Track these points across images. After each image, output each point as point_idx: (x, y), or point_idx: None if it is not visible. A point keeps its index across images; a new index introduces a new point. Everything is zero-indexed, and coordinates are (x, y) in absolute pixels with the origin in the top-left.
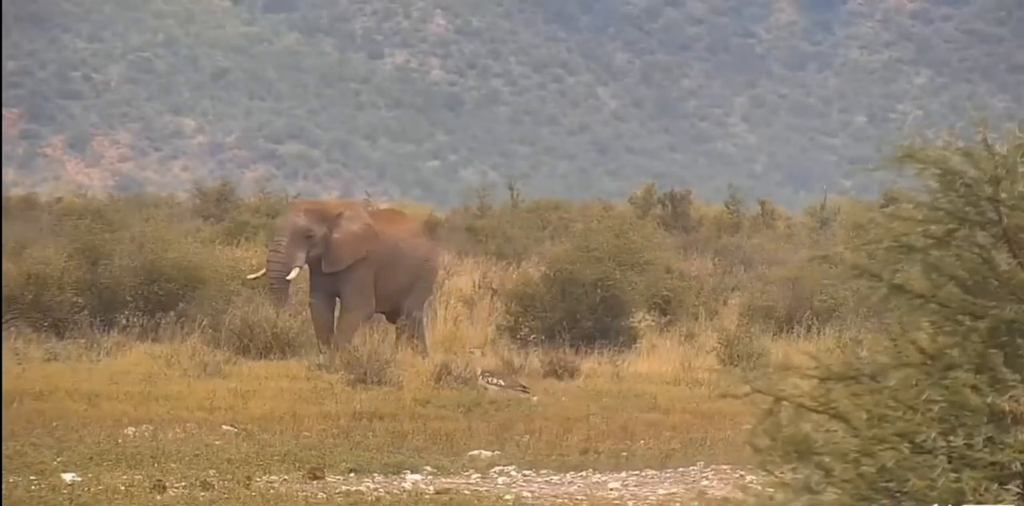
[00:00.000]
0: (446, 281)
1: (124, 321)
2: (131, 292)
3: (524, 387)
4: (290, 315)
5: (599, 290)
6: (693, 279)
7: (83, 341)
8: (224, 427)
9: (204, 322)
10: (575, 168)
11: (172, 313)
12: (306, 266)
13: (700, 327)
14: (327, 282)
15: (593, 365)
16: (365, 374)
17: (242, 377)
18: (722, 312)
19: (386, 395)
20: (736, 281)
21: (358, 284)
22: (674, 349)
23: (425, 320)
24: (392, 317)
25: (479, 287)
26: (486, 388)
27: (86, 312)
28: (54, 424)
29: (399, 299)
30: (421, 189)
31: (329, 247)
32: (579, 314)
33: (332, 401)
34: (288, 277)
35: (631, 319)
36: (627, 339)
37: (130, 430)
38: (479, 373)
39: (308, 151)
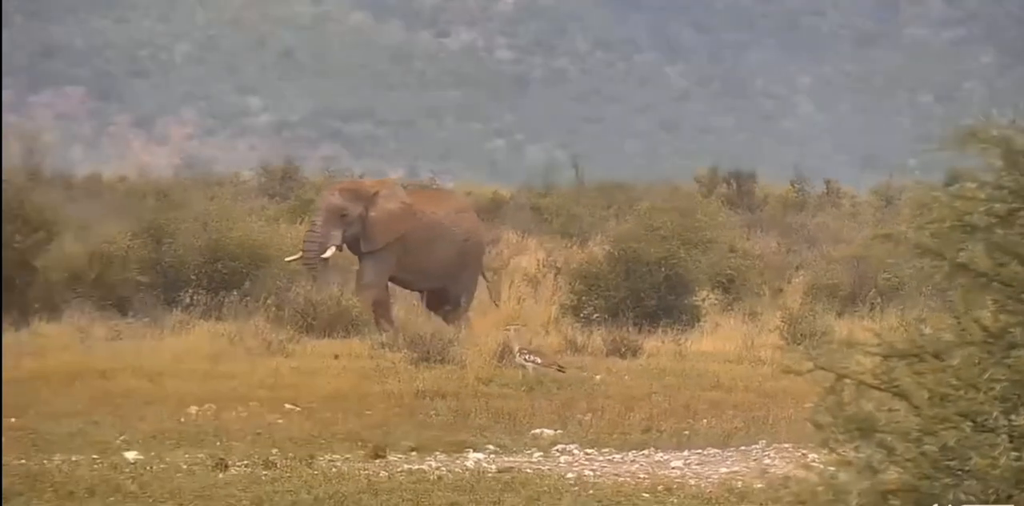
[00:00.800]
0: (510, 260)
1: (188, 300)
2: (195, 271)
3: (561, 367)
4: (353, 294)
5: (663, 269)
6: (757, 258)
7: (147, 320)
8: (287, 406)
9: (268, 301)
10: (641, 147)
11: (236, 292)
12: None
13: (763, 305)
14: None
15: (656, 344)
16: (428, 353)
17: (305, 356)
18: (786, 290)
19: (449, 374)
20: (800, 260)
21: (379, 263)
22: (737, 328)
23: (465, 301)
24: (434, 300)
25: (543, 266)
26: (524, 366)
27: (150, 291)
28: (117, 402)
29: (443, 280)
30: (486, 168)
31: (365, 226)
32: (643, 293)
33: (395, 380)
34: (324, 256)
35: (694, 298)
36: (690, 318)
37: (193, 409)
38: (516, 351)
39: (374, 130)
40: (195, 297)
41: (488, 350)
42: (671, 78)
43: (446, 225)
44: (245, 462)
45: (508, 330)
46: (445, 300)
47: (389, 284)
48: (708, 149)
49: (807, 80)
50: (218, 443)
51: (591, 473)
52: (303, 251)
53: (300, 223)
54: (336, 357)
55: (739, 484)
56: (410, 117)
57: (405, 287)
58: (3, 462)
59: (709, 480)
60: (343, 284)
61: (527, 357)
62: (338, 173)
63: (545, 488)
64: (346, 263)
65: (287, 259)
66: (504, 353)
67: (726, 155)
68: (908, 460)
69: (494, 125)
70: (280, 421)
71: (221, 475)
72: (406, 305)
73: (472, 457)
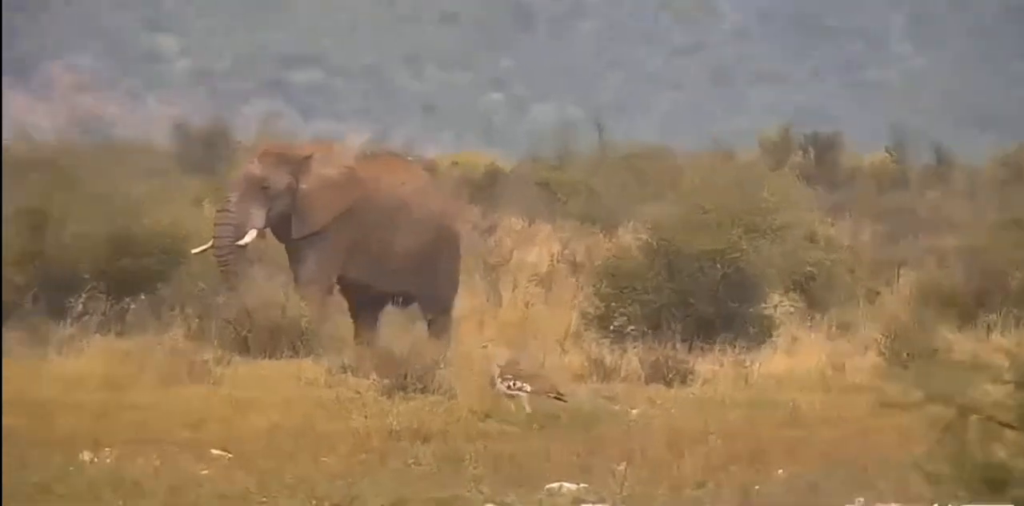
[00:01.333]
0: (513, 253)
1: (80, 307)
2: (90, 269)
3: (560, 394)
4: (301, 298)
5: (720, 265)
6: (846, 250)
7: (26, 333)
8: (215, 451)
9: (188, 309)
10: (684, 102)
11: (145, 297)
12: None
13: (856, 314)
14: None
15: (712, 366)
16: (405, 378)
17: (239, 383)
18: (886, 294)
19: (434, 407)
20: (904, 253)
21: (324, 251)
22: (822, 344)
23: (440, 310)
24: (400, 303)
25: (557, 261)
26: (509, 396)
27: (30, 295)
28: None
29: (406, 280)
30: (480, 131)
31: (296, 202)
32: (693, 297)
33: (361, 415)
34: (240, 242)
35: (763, 304)
36: (758, 331)
37: (87, 455)
38: (496, 376)
39: (327, 80)
40: (90, 304)
41: (486, 375)
42: (723, 11)
43: (408, 204)
44: None
45: (484, 347)
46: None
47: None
48: (776, 105)
49: (901, 17)
50: (121, 502)
51: None
52: (214, 238)
53: None
54: (280, 384)
55: None
56: (376, 63)
57: (356, 291)
58: (3, 463)
59: None
60: (285, 283)
61: (511, 383)
62: (280, 138)
63: None
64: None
65: (193, 251)
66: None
67: (800, 113)
68: None
69: (489, 74)
70: (205, 471)
71: None
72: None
73: None
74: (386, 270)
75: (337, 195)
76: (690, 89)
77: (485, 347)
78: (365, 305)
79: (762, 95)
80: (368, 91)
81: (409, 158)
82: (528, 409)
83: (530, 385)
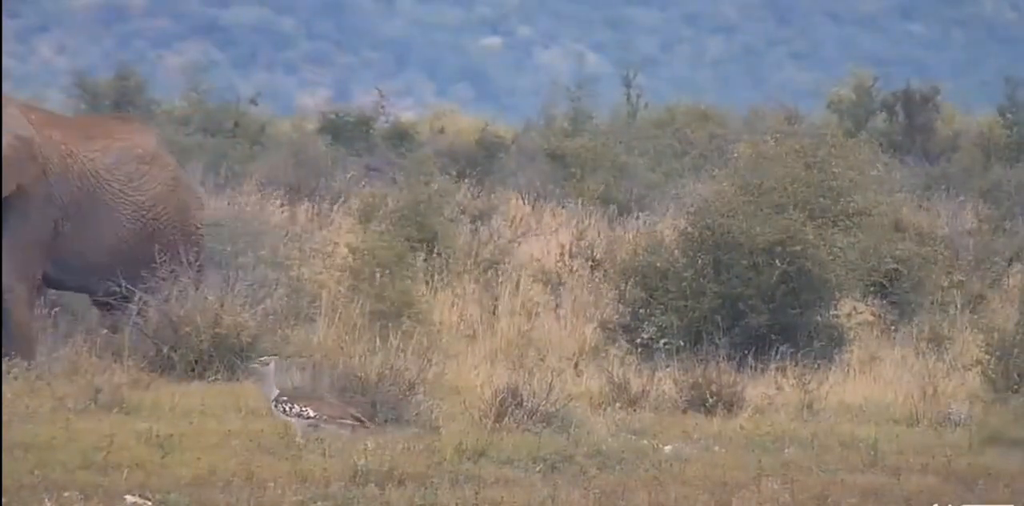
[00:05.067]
0: (514, 245)
1: None
2: (97, 266)
3: (360, 419)
4: (241, 305)
5: (779, 261)
6: (942, 241)
7: None
8: (129, 498)
9: (93, 318)
10: (733, 48)
11: (41, 299)
12: None
13: (954, 324)
14: None
15: (767, 390)
16: (374, 406)
17: (160, 411)
18: (992, 299)
19: (410, 442)
20: (1018, 245)
21: (13, 238)
22: (908, 362)
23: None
24: (108, 308)
25: (570, 255)
26: (299, 426)
27: None
28: None
29: (116, 276)
30: (471, 84)
31: None
32: (743, 302)
33: (317, 453)
34: None
35: (833, 311)
36: (826, 345)
37: None
38: (272, 398)
39: (273, 18)
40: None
41: (478, 402)
42: None
43: (113, 181)
44: None
45: (259, 364)
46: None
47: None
48: (851, 52)
49: None
50: None
51: None
52: None
53: None
54: (213, 414)
55: None
56: None
57: (54, 287)
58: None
59: None
60: (224, 287)
61: (288, 407)
62: (214, 95)
63: None
64: None
65: None
66: (505, 407)
67: (884, 63)
68: None
69: (481, 10)
70: None
71: None
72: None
73: None
74: (85, 263)
75: (12, 167)
76: (741, 31)
77: (266, 364)
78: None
79: (833, 37)
80: (323, 33)
81: (131, 119)
82: (300, 438)
83: (314, 409)
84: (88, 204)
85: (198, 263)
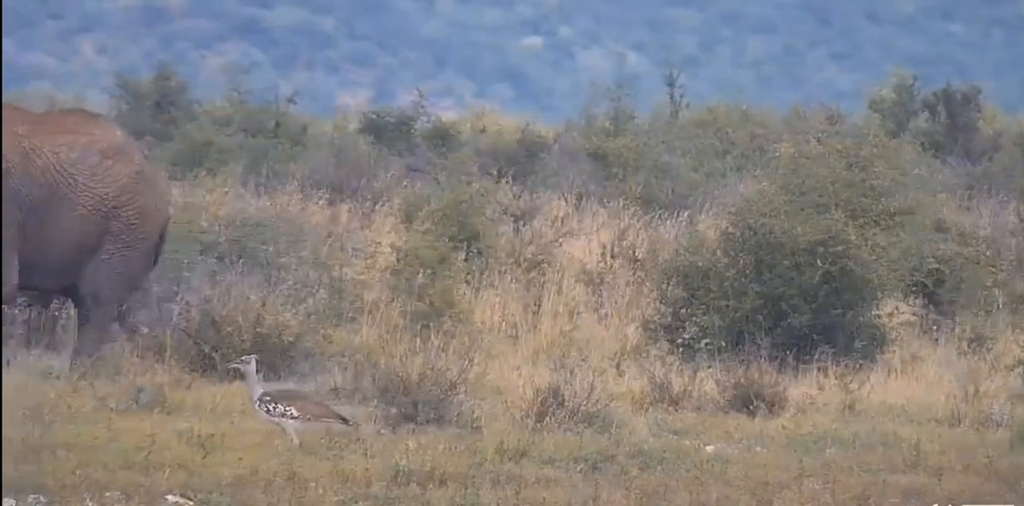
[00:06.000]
0: (555, 244)
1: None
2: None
3: (344, 418)
4: (283, 304)
5: (820, 261)
6: (984, 242)
7: None
8: (170, 498)
9: (135, 317)
10: (774, 49)
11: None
12: None
13: (996, 324)
14: None
15: (809, 390)
16: (415, 406)
17: (202, 411)
18: None
19: (452, 442)
20: None
21: None
22: (950, 363)
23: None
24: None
25: (611, 255)
26: (282, 426)
27: None
28: None
29: (72, 273)
30: (510, 85)
31: None
32: (786, 302)
33: (358, 453)
34: None
35: (875, 311)
36: (868, 345)
37: (7, 503)
38: (256, 398)
39: (313, 19)
40: (10, 311)
41: (520, 402)
42: None
43: (77, 175)
44: None
45: (239, 363)
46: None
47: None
48: (892, 52)
49: None
50: None
51: None
52: None
53: (192, 179)
54: (255, 414)
55: None
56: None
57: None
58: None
59: None
60: (267, 287)
61: (272, 408)
62: (254, 95)
63: None
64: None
65: None
66: (547, 407)
67: (926, 63)
68: None
69: (521, 10)
70: None
71: None
72: (381, 318)
73: None
74: (41, 261)
75: None
76: (784, 31)
77: (246, 362)
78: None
79: (875, 38)
80: (364, 33)
81: (99, 116)
82: (295, 440)
83: (297, 409)
84: (53, 200)
85: (146, 267)
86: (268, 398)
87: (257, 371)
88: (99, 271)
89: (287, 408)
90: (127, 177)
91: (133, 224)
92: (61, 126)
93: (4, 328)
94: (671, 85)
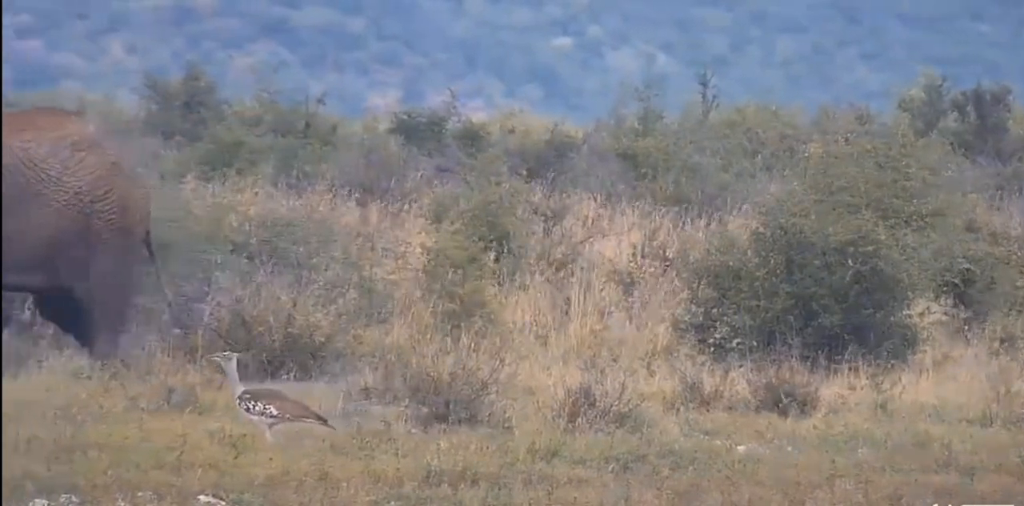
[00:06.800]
0: (585, 244)
1: (28, 315)
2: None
3: (322, 418)
4: (314, 305)
5: (851, 261)
6: (1015, 241)
7: None
8: (202, 498)
9: (166, 317)
10: (803, 49)
11: None
12: None
13: None
14: None
15: (841, 390)
16: (447, 406)
17: (234, 411)
18: None
19: (483, 442)
20: None
21: None
22: (981, 363)
23: (106, 313)
24: (56, 313)
25: (642, 255)
26: (261, 424)
27: None
28: None
29: (51, 272)
30: (540, 85)
31: None
32: (817, 302)
33: (390, 453)
34: None
35: (906, 311)
36: (899, 345)
37: (40, 503)
38: (236, 395)
39: (342, 19)
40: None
41: (551, 402)
42: None
43: (49, 169)
44: None
45: (216, 360)
46: (74, 312)
47: None
48: (921, 51)
49: None
50: None
51: None
52: None
53: (221, 181)
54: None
55: None
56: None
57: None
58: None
59: None
60: (297, 287)
61: (252, 406)
62: (283, 95)
63: None
64: None
65: None
66: (578, 407)
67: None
68: None
69: (550, 9)
70: None
71: None
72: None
73: None
74: (19, 260)
75: None
76: (814, 30)
77: (228, 358)
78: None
79: (905, 39)
80: (394, 33)
81: (70, 112)
82: (270, 438)
83: (276, 408)
84: (20, 196)
85: (131, 264)
86: (248, 396)
87: (238, 368)
88: (88, 269)
89: (266, 407)
90: (102, 169)
91: (113, 218)
92: (28, 123)
93: (35, 329)
94: (704, 85)
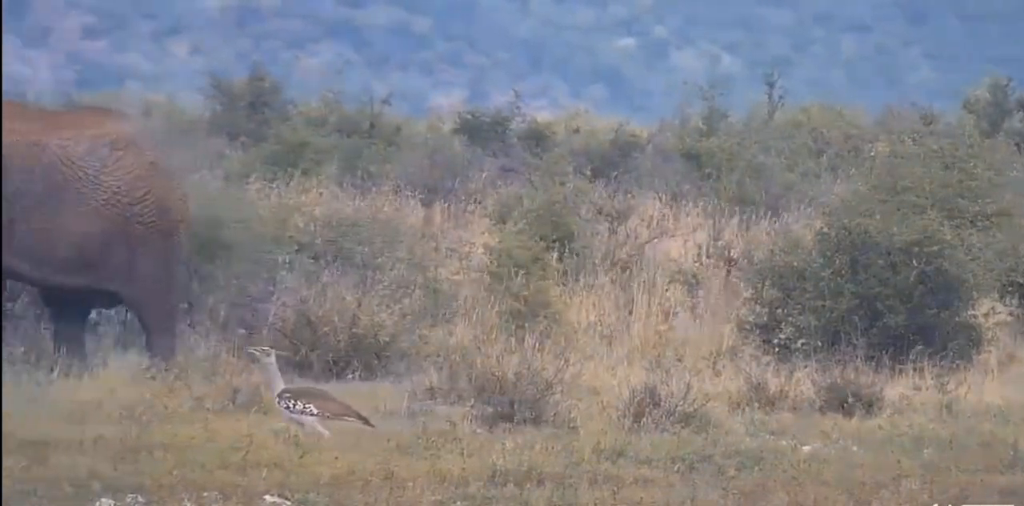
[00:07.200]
0: (649, 245)
1: (92, 314)
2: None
3: (364, 418)
4: (379, 305)
5: (916, 261)
6: None
7: (22, 350)
8: (268, 498)
9: (228, 313)
10: (866, 48)
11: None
12: None
13: None
14: None
15: (905, 391)
16: (512, 406)
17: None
18: None
19: (548, 442)
20: None
21: None
22: None
23: (155, 317)
24: (64, 314)
25: (706, 255)
26: (301, 423)
27: (24, 299)
28: None
29: (88, 272)
30: (604, 85)
31: None
32: (881, 302)
33: (455, 453)
34: None
35: (971, 311)
36: (964, 345)
37: (106, 503)
38: (276, 395)
39: (407, 19)
40: (104, 311)
41: (616, 402)
42: None
43: (87, 168)
44: None
45: (255, 353)
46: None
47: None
48: (987, 52)
49: None
50: None
51: None
52: None
53: (286, 182)
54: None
55: None
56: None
57: (18, 279)
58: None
59: None
60: (362, 288)
61: (292, 405)
62: (347, 96)
63: None
64: None
65: None
66: (644, 407)
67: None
68: None
69: (614, 10)
70: None
71: None
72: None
73: None
74: (45, 255)
75: None
76: (878, 31)
77: (267, 354)
78: (58, 306)
79: (969, 39)
80: (459, 33)
81: (113, 112)
82: (326, 433)
83: (315, 406)
84: (58, 195)
85: (170, 265)
86: (288, 395)
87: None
88: (131, 273)
89: (306, 405)
90: (140, 168)
91: (153, 221)
92: (68, 121)
93: (100, 328)
94: (770, 85)
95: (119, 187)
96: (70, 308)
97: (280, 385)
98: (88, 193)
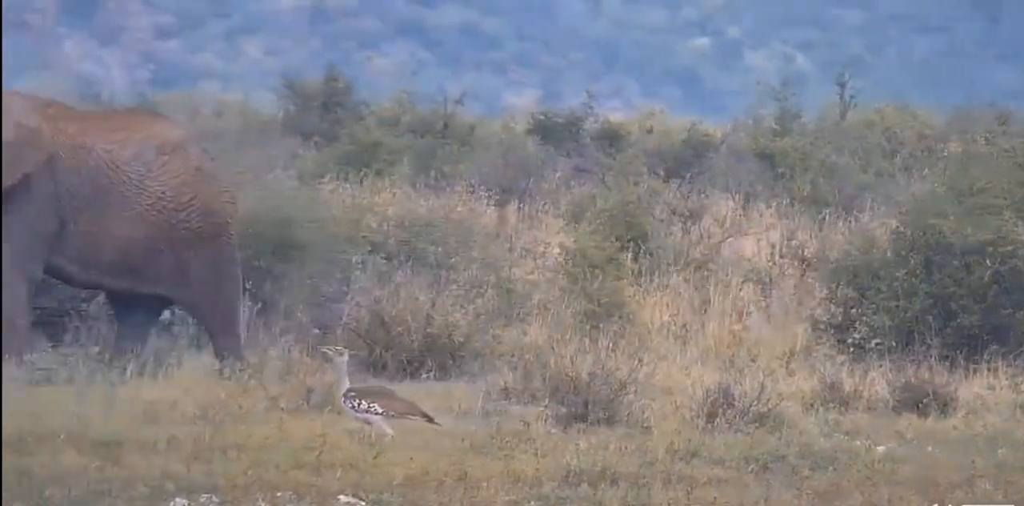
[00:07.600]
0: (723, 245)
1: (166, 314)
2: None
3: (429, 417)
4: (453, 305)
5: (990, 261)
6: None
7: (96, 349)
8: (342, 498)
9: (304, 317)
10: (940, 49)
11: (244, 297)
12: None
13: None
14: None
15: (981, 390)
16: (586, 406)
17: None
18: None
19: (623, 442)
20: None
21: (12, 231)
22: None
23: (218, 322)
24: (129, 314)
25: (781, 256)
26: (368, 421)
27: (91, 302)
28: (71, 492)
29: (143, 276)
30: (678, 86)
31: None
32: (956, 302)
33: (529, 453)
34: None
35: None
36: None
37: (180, 503)
38: (342, 394)
39: (479, 19)
40: (177, 311)
41: (689, 402)
42: None
43: (132, 172)
44: None
45: (327, 351)
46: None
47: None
48: None
49: None
50: None
51: None
52: None
53: (359, 181)
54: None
55: None
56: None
57: (67, 281)
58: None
59: None
60: (436, 288)
61: (357, 404)
62: (420, 96)
63: None
64: None
65: None
66: (717, 407)
67: None
68: None
69: (687, 12)
70: None
71: None
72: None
73: None
74: (99, 259)
75: (14, 157)
76: (957, 31)
77: (340, 353)
78: (124, 308)
79: None
80: (532, 33)
81: (161, 115)
82: (390, 432)
83: (380, 405)
84: (104, 198)
85: (229, 270)
86: (353, 394)
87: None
88: (183, 278)
89: (371, 404)
90: (186, 174)
91: (200, 228)
92: (115, 124)
93: (174, 328)
94: (842, 85)
95: (164, 192)
96: (133, 309)
97: (346, 384)
98: (133, 197)
